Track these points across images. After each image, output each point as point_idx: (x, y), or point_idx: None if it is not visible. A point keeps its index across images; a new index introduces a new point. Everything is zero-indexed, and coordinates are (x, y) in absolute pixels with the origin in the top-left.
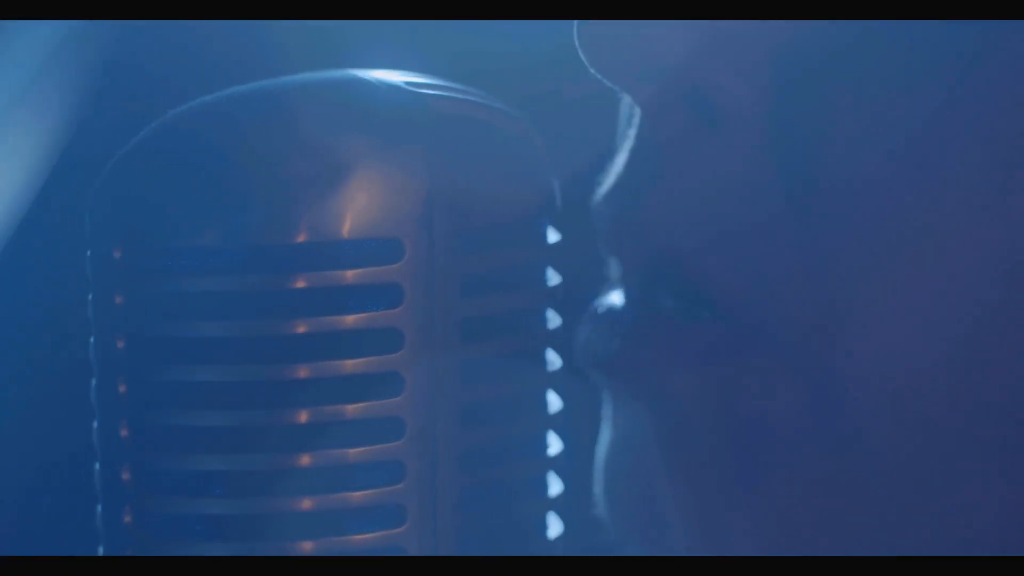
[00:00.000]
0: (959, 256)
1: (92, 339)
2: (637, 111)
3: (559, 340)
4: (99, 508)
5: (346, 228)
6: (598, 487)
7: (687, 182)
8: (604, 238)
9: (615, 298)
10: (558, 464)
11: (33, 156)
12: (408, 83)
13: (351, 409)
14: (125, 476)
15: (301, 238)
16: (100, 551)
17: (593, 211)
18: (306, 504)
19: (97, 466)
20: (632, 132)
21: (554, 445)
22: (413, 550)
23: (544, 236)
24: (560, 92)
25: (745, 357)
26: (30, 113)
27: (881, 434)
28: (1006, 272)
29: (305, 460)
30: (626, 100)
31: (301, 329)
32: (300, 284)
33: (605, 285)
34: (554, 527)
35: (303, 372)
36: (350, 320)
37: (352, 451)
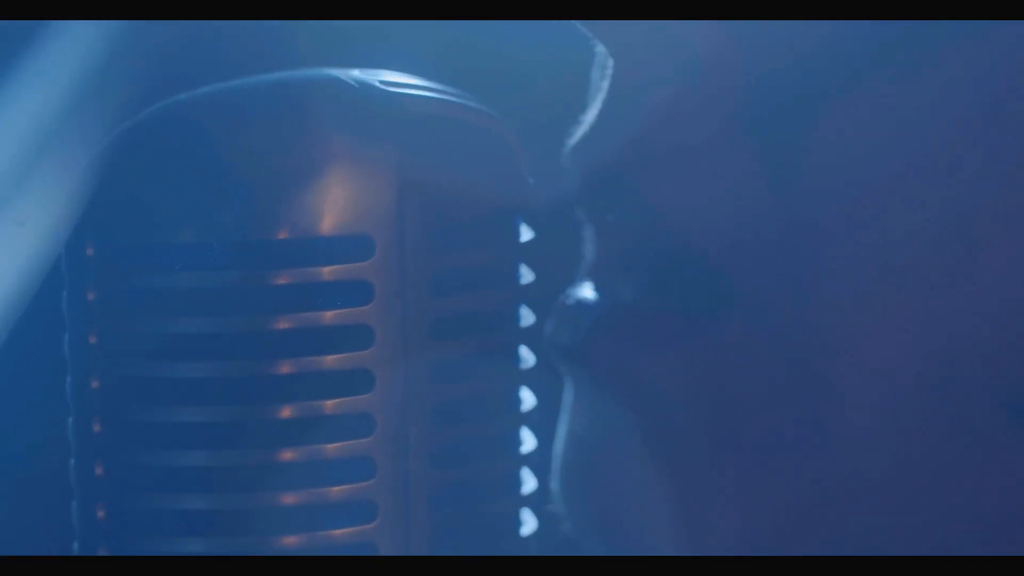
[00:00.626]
0: (930, 219)
1: (66, 335)
2: (610, 62)
3: (533, 337)
4: (74, 504)
5: (316, 225)
6: (556, 482)
7: (663, 137)
8: (573, 190)
9: (583, 291)
10: (532, 461)
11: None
12: (383, 82)
13: (321, 405)
14: (99, 472)
15: (273, 235)
16: (75, 547)
17: (563, 162)
18: (278, 500)
19: (72, 462)
20: (605, 84)
21: (528, 442)
22: (385, 546)
23: (517, 234)
24: (552, 92)
25: (714, 334)
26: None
27: (860, 407)
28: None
29: (277, 456)
30: (600, 50)
31: (272, 326)
32: (272, 281)
33: (577, 270)
34: (528, 524)
35: (275, 368)
36: (320, 317)
37: (323, 447)
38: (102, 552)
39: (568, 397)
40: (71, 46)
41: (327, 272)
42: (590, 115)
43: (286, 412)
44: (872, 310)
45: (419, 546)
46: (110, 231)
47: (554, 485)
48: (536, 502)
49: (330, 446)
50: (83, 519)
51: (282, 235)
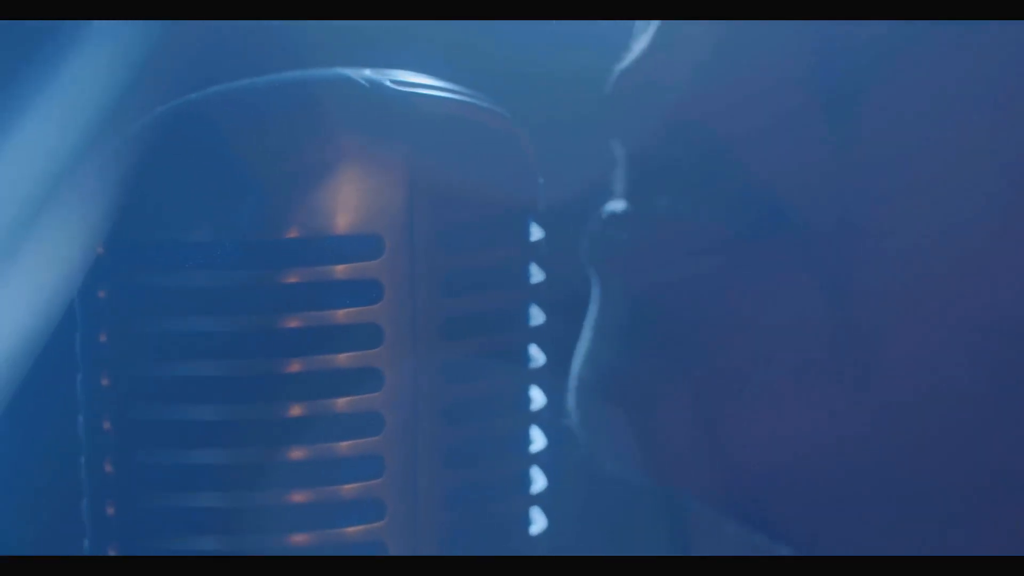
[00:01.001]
0: (979, 169)
1: (77, 334)
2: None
3: (542, 337)
4: (84, 502)
5: (328, 225)
6: (572, 396)
7: (718, 62)
8: (617, 112)
9: (618, 204)
10: (541, 460)
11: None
12: (394, 81)
13: (331, 404)
14: (108, 469)
15: (284, 234)
16: (85, 545)
17: (610, 89)
18: (287, 498)
19: (82, 460)
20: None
21: (538, 441)
22: (393, 545)
23: (527, 234)
24: (564, 92)
25: (758, 254)
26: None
27: (898, 337)
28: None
29: (286, 454)
30: None
31: (283, 324)
32: (283, 279)
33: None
34: (538, 523)
35: (285, 367)
36: (331, 315)
37: (332, 445)
38: (112, 550)
39: (592, 311)
40: (100, 53)
41: (338, 271)
42: (639, 45)
43: (296, 410)
44: (922, 243)
45: (428, 545)
46: (120, 229)
47: (570, 401)
48: (545, 500)
49: (339, 444)
50: (93, 517)
51: (293, 234)
